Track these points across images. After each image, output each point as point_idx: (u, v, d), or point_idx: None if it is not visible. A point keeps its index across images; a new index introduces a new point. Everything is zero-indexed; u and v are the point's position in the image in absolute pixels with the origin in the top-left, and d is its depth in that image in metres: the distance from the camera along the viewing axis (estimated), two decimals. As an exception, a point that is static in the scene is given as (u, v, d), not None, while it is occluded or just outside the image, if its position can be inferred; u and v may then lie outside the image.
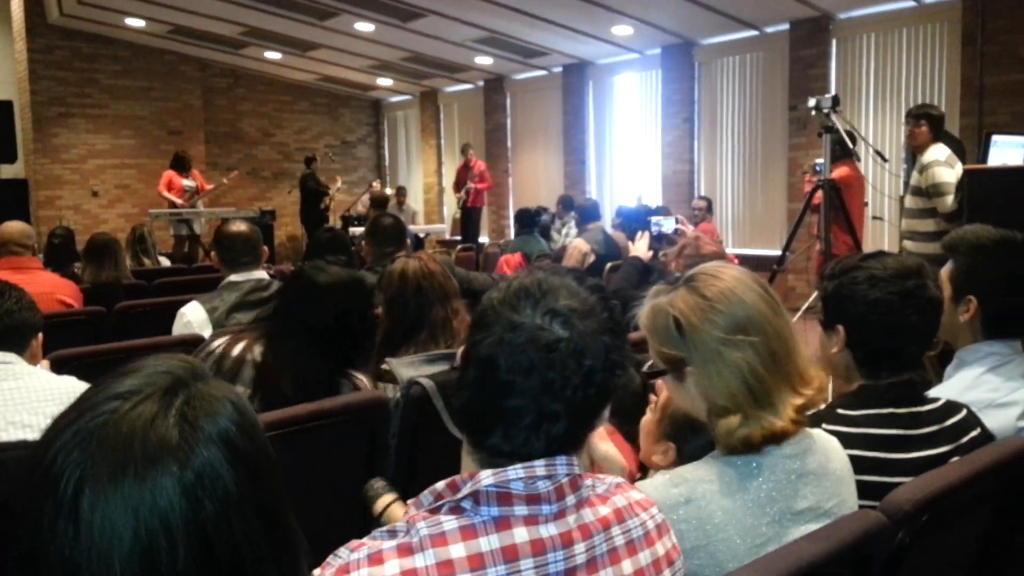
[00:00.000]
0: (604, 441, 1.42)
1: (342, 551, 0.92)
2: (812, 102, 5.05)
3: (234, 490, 0.70)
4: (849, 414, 1.53)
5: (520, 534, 0.91)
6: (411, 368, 2.20)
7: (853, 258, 1.64)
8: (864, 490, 1.38)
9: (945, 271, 1.91)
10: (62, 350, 2.71)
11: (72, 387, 2.04)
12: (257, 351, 2.04)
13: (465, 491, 0.93)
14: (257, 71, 12.89)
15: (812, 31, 8.11)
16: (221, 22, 10.14)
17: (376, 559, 0.88)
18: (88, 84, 11.40)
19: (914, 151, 4.99)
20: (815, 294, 1.93)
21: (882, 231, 7.52)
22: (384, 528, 0.94)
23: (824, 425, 1.46)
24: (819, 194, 5.12)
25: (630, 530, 1.01)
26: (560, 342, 0.94)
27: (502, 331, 0.95)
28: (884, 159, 5.51)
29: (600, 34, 9.28)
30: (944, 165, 4.68)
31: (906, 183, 5.31)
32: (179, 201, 9.26)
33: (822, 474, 1.28)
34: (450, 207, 12.34)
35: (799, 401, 1.25)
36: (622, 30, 9.06)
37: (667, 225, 3.85)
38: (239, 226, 3.29)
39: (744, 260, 6.50)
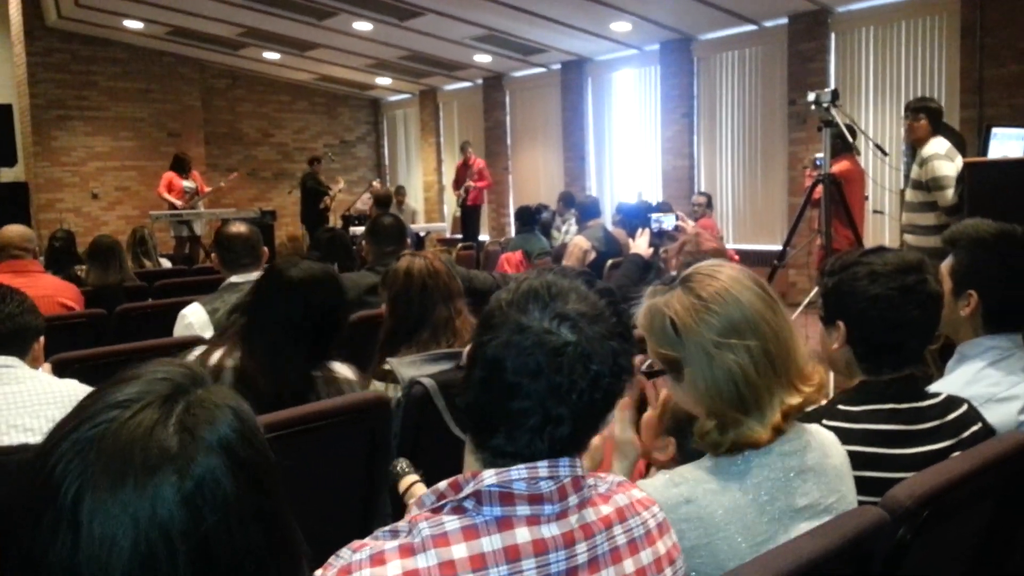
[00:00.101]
0: (625, 425, 1.40)
1: (344, 552, 0.92)
2: (811, 96, 5.04)
3: (234, 498, 0.70)
4: (850, 410, 1.53)
5: (522, 534, 0.91)
6: (412, 368, 2.20)
7: (853, 254, 1.64)
8: (865, 486, 1.39)
9: (945, 265, 1.91)
10: (64, 353, 2.72)
11: (74, 390, 2.04)
12: (236, 356, 2.03)
13: (468, 491, 0.93)
14: (256, 71, 12.88)
15: (811, 25, 8.10)
16: (219, 23, 10.14)
17: (378, 559, 0.89)
18: (87, 87, 11.40)
19: (914, 145, 4.99)
20: (816, 289, 1.93)
21: (883, 225, 7.51)
22: (386, 528, 0.95)
23: (825, 421, 1.46)
24: (819, 188, 5.11)
25: (632, 529, 1.01)
26: (568, 346, 0.94)
27: (510, 333, 0.95)
28: (884, 153, 5.50)
29: (599, 30, 9.27)
30: (944, 158, 4.67)
31: (906, 177, 5.31)
32: (179, 203, 9.27)
33: (821, 471, 1.28)
34: (450, 205, 12.34)
35: (797, 400, 1.25)
36: (621, 26, 9.05)
37: (667, 222, 3.85)
38: (239, 227, 3.29)
39: (745, 255, 6.52)
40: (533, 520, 0.93)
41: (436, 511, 0.94)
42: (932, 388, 1.66)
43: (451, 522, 0.91)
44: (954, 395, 1.63)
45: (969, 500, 1.43)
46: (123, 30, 10.91)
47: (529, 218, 7.04)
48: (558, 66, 10.99)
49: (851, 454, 1.37)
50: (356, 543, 0.92)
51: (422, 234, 9.78)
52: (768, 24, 8.54)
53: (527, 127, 11.83)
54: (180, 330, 3.04)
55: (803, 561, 1.11)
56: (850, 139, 5.23)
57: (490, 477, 0.93)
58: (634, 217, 5.33)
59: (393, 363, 2.23)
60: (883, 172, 6.97)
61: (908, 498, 1.27)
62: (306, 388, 2.02)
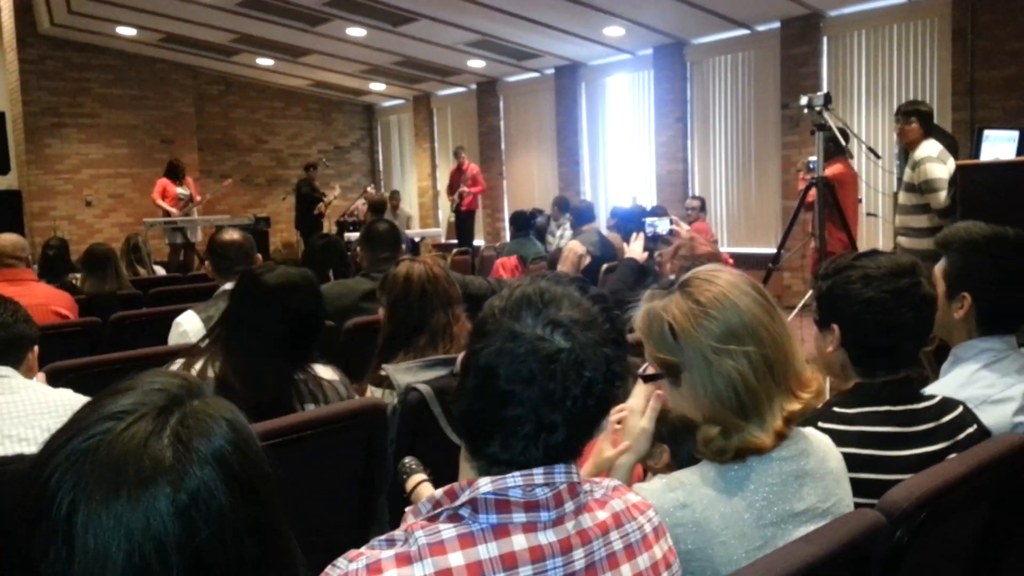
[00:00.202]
0: (640, 417, 1.36)
1: (340, 561, 0.91)
2: (804, 100, 5.06)
3: (229, 510, 0.70)
4: (845, 412, 1.53)
5: (519, 541, 0.91)
6: (408, 374, 2.19)
7: (847, 257, 1.65)
8: (861, 488, 1.39)
9: (938, 268, 1.91)
10: (58, 362, 2.71)
11: (68, 400, 2.03)
12: (218, 365, 2.02)
13: (463, 499, 0.93)
14: (249, 78, 12.88)
15: (803, 29, 8.14)
16: (212, 29, 10.13)
17: (375, 569, 0.88)
18: (80, 94, 11.38)
19: (906, 148, 5.01)
20: (810, 292, 1.93)
21: (876, 228, 7.53)
22: (382, 537, 0.94)
23: (820, 423, 1.46)
24: (813, 192, 5.13)
25: (628, 534, 1.01)
26: (561, 353, 0.94)
27: (503, 340, 0.95)
28: (877, 156, 5.52)
29: (592, 35, 9.29)
30: (936, 161, 4.69)
31: (899, 179, 5.33)
32: (173, 210, 9.25)
33: (819, 474, 1.28)
34: (445, 211, 12.33)
35: (795, 406, 1.25)
36: (614, 31, 9.08)
37: (662, 226, 3.85)
38: (232, 234, 3.29)
39: (739, 258, 6.53)
40: (529, 527, 0.93)
41: (432, 519, 0.94)
42: (927, 390, 1.67)
43: (447, 530, 0.91)
44: (949, 397, 1.63)
45: (965, 502, 1.44)
46: (116, 37, 10.89)
47: (524, 223, 7.04)
48: (552, 71, 11.01)
49: (847, 456, 1.38)
50: (352, 552, 0.92)
51: (417, 239, 9.77)
52: (760, 28, 8.57)
53: (521, 132, 11.85)
54: (175, 338, 3.03)
55: (801, 565, 1.12)
56: (843, 142, 5.25)
57: (486, 485, 0.93)
58: (629, 221, 5.33)
59: (389, 369, 2.23)
60: (876, 175, 7.00)
61: (905, 500, 1.27)
62: (287, 393, 2.01)
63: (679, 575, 1.07)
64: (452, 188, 10.64)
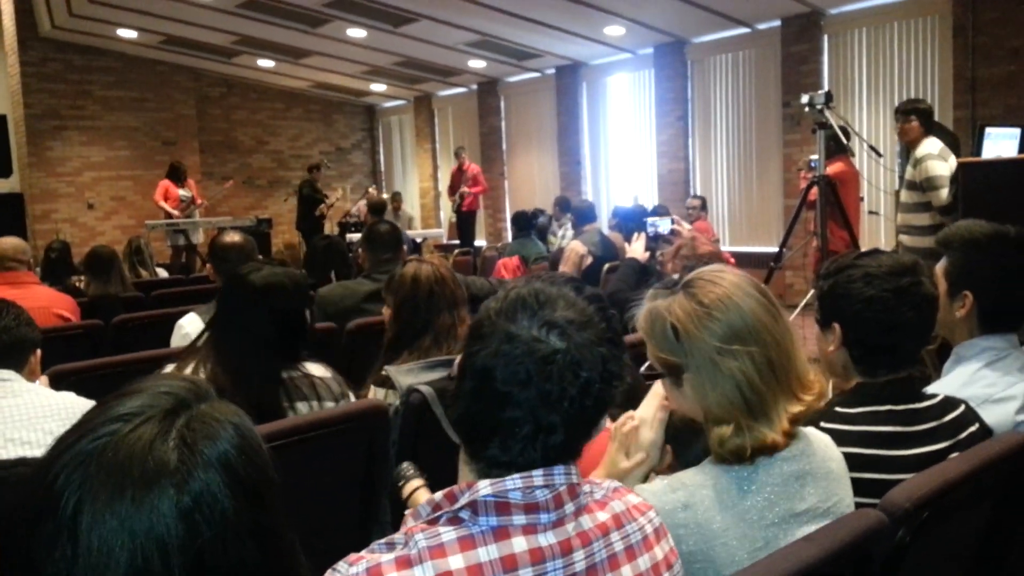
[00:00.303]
0: (659, 427, 1.37)
1: (340, 565, 0.91)
2: (805, 98, 5.06)
3: (232, 514, 0.71)
4: (847, 412, 1.53)
5: (519, 543, 0.91)
6: (410, 375, 2.19)
7: (848, 257, 1.65)
8: (863, 488, 1.39)
9: (940, 267, 1.91)
10: (60, 365, 2.71)
11: (71, 403, 2.03)
12: (208, 367, 2.02)
13: (463, 501, 0.93)
14: (250, 79, 12.89)
15: (803, 27, 8.13)
16: (213, 31, 10.14)
17: (375, 572, 0.88)
18: (81, 96, 11.39)
19: (908, 146, 5.01)
20: (812, 291, 1.93)
21: (878, 226, 7.53)
22: (382, 541, 0.94)
23: (822, 423, 1.46)
24: (815, 190, 5.13)
25: (629, 535, 1.01)
26: (557, 354, 0.94)
27: (499, 342, 0.95)
28: (878, 154, 5.52)
29: (592, 35, 9.29)
30: (937, 158, 4.69)
31: (901, 177, 5.32)
32: (175, 212, 9.27)
33: (820, 474, 1.28)
34: (446, 211, 12.33)
35: (798, 408, 1.25)
36: (614, 30, 9.07)
37: (663, 225, 3.85)
38: (233, 237, 3.30)
39: (741, 257, 6.53)
40: (529, 529, 0.93)
41: (432, 522, 0.94)
42: (929, 389, 1.66)
43: (447, 533, 0.91)
44: (951, 396, 1.63)
45: (967, 501, 1.44)
46: (117, 39, 10.91)
47: (526, 223, 7.04)
48: (552, 71, 11.01)
49: (849, 456, 1.37)
50: (352, 556, 0.92)
51: (418, 240, 9.78)
52: (761, 27, 8.56)
53: (522, 132, 11.84)
54: (177, 340, 3.04)
55: (803, 565, 1.12)
56: (844, 141, 5.25)
57: (485, 487, 0.93)
58: (630, 221, 5.33)
59: (391, 371, 2.23)
60: (877, 173, 6.99)
61: (907, 500, 1.27)
62: (275, 392, 2.00)
63: (680, 576, 1.07)
64: (453, 189, 10.64)
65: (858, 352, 1.58)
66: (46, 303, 3.75)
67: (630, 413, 1.36)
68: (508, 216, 10.36)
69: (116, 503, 0.67)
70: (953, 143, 5.06)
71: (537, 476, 0.94)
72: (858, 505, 1.34)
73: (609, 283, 3.97)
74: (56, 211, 11.29)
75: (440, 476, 1.61)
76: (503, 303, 0.99)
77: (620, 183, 10.60)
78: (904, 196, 4.97)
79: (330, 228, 10.31)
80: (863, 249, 1.76)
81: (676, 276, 1.38)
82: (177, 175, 9.44)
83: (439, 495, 0.96)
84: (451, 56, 10.57)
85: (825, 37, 8.08)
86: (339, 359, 3.01)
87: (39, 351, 2.23)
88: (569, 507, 0.96)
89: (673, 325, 1.26)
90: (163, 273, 6.71)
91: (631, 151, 10.39)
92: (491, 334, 0.96)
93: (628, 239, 4.01)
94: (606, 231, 6.35)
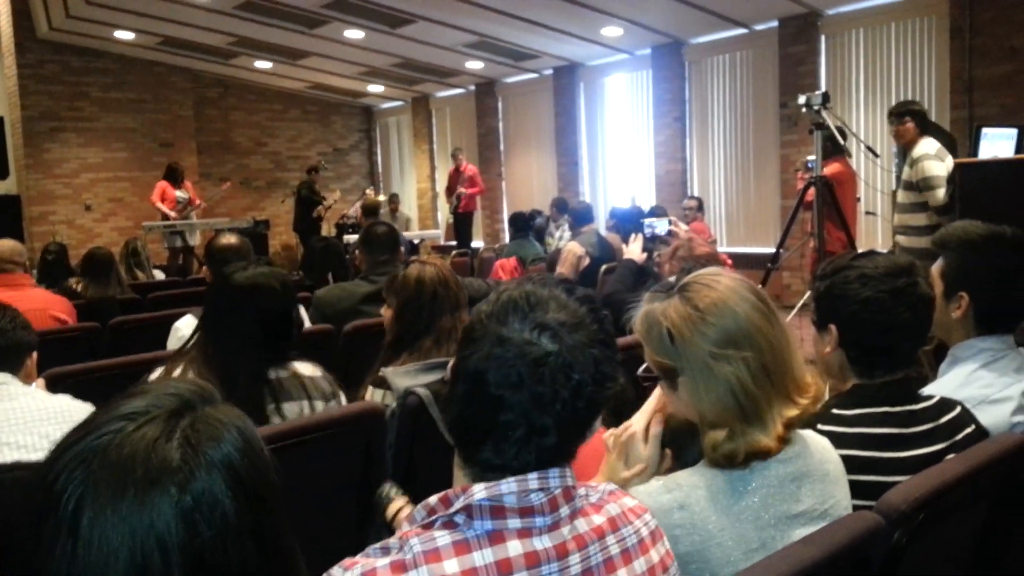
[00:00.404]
0: (654, 441, 1.37)
1: (335, 570, 0.91)
2: (802, 99, 5.07)
3: (233, 516, 0.71)
4: (844, 414, 1.53)
5: (514, 547, 0.91)
6: (407, 377, 2.19)
7: (844, 258, 1.65)
8: (860, 489, 1.39)
9: (936, 268, 1.91)
10: (57, 367, 2.70)
11: (67, 406, 2.03)
12: (195, 369, 2.01)
13: (458, 505, 0.93)
14: (248, 80, 12.88)
15: (801, 28, 8.14)
16: (211, 32, 10.14)
17: (370, 577, 0.88)
18: (79, 98, 11.38)
19: (904, 147, 5.01)
20: (809, 292, 1.93)
21: (875, 226, 7.53)
22: (377, 545, 0.94)
23: (819, 425, 1.46)
24: (812, 191, 5.13)
25: (625, 538, 1.01)
26: (549, 356, 0.94)
27: (491, 346, 0.95)
28: (875, 154, 5.52)
29: (590, 35, 9.30)
30: (934, 159, 4.69)
31: (898, 178, 5.33)
32: (172, 214, 9.26)
33: (817, 476, 1.28)
34: (444, 212, 12.34)
35: (794, 412, 1.25)
36: (612, 31, 9.08)
37: (660, 226, 3.86)
38: (229, 239, 3.29)
39: (738, 258, 6.53)
40: (525, 533, 0.92)
41: (427, 527, 0.93)
42: (925, 391, 1.67)
43: (442, 537, 0.91)
44: (947, 397, 1.63)
45: (964, 503, 1.44)
46: (114, 41, 10.90)
47: (523, 224, 7.05)
48: (550, 71, 11.01)
49: (846, 458, 1.37)
50: (347, 561, 0.92)
51: (416, 241, 9.77)
52: (758, 27, 8.57)
53: (520, 133, 11.85)
54: (174, 342, 3.03)
55: (800, 567, 1.11)
56: (841, 141, 5.25)
57: (480, 491, 0.93)
58: (627, 222, 5.34)
59: (388, 372, 2.23)
60: (875, 174, 7.00)
61: (903, 502, 1.27)
62: (260, 392, 1.99)
63: (677, 579, 1.07)
64: (450, 190, 10.64)
65: (855, 353, 1.58)
66: (42, 305, 3.74)
67: (626, 424, 1.36)
68: (506, 217, 10.37)
69: (118, 501, 0.68)
70: (950, 143, 5.07)
71: (532, 479, 0.94)
72: (857, 508, 1.34)
73: (606, 284, 3.97)
74: (53, 213, 11.28)
75: (436, 479, 1.61)
76: (494, 306, 0.99)
77: (617, 184, 10.61)
78: (901, 196, 4.98)
79: (327, 230, 10.31)
80: (860, 250, 1.76)
81: (673, 278, 1.38)
82: (174, 176, 9.44)
83: (434, 499, 0.96)
84: (448, 57, 10.57)
85: (822, 38, 8.09)
86: (336, 361, 3.01)
87: (35, 354, 2.22)
88: (564, 510, 0.96)
89: (668, 329, 1.26)
90: (160, 275, 6.71)
91: (628, 152, 10.39)
92: (482, 337, 0.96)
93: (625, 240, 4.02)
94: (603, 232, 6.35)
